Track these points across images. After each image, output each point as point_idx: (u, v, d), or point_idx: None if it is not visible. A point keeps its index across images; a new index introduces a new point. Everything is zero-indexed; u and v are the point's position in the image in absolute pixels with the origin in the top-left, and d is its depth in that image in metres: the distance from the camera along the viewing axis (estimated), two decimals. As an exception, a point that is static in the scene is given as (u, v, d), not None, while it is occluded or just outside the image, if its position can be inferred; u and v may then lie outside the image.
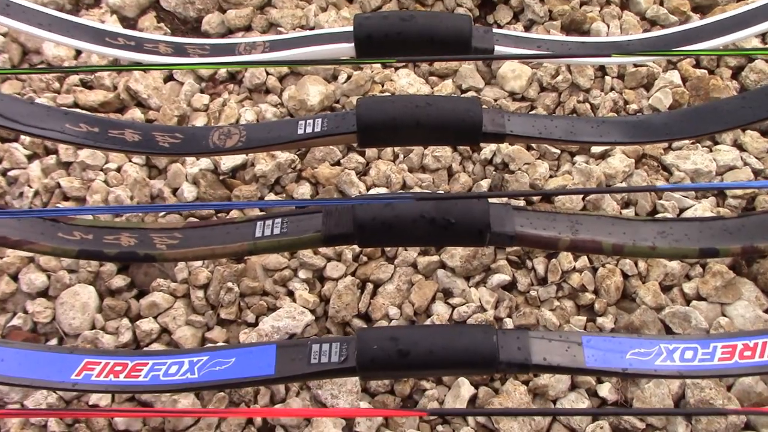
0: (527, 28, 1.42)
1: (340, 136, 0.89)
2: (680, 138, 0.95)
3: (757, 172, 1.20)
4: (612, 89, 1.30)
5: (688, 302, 1.09)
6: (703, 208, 1.14)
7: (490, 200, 0.81)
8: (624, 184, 1.17)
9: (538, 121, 0.91)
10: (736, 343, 0.75)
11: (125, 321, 1.10)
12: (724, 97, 0.95)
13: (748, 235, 0.80)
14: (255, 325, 1.09)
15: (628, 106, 1.28)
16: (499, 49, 0.95)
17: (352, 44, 0.94)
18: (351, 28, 0.94)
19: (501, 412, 0.84)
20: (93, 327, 1.10)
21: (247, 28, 1.43)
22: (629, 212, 1.15)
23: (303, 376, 0.74)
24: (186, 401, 0.98)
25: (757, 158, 1.21)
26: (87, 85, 1.35)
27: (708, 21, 0.97)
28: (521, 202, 1.16)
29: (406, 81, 1.31)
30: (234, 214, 1.16)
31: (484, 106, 0.88)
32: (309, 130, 0.90)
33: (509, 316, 1.09)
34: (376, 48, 0.94)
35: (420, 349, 0.72)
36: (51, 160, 1.25)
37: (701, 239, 0.80)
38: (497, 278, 1.10)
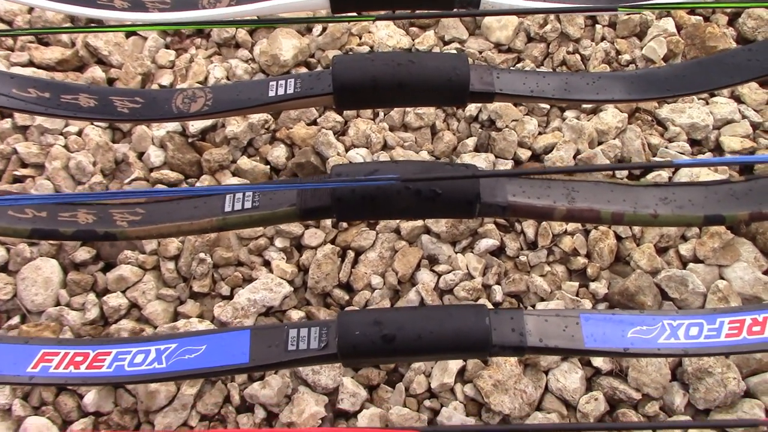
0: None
1: (316, 98, 0.82)
2: (683, 94, 0.88)
3: (755, 125, 1.14)
4: (603, 39, 1.23)
5: (684, 265, 1.04)
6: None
7: (482, 167, 0.74)
8: (617, 141, 1.10)
9: (529, 78, 0.84)
10: (744, 317, 0.70)
11: (91, 296, 1.03)
12: (730, 49, 0.89)
13: (756, 200, 0.74)
14: (230, 297, 1.03)
15: (620, 56, 1.21)
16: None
17: (326, -4, 0.86)
18: (325, -22, 0.86)
19: (497, 430, 0.79)
20: (57, 303, 1.04)
21: (214, -23, 1.33)
22: (624, 173, 1.09)
23: (280, 364, 0.68)
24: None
25: (755, 110, 1.15)
26: (43, 42, 1.26)
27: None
28: (509, 164, 1.09)
29: (386, 33, 1.23)
30: (204, 183, 1.09)
31: (471, 62, 0.81)
32: (281, 91, 0.83)
33: (498, 283, 1.03)
34: (353, 0, 0.86)
35: (406, 334, 0.66)
36: (6, 124, 1.16)
37: (706, 205, 0.74)
38: (485, 243, 1.04)
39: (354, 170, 0.72)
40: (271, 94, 0.83)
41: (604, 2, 0.93)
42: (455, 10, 0.83)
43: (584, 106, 1.14)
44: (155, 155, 1.12)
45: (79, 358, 0.71)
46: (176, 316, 1.03)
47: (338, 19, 0.98)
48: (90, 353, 0.71)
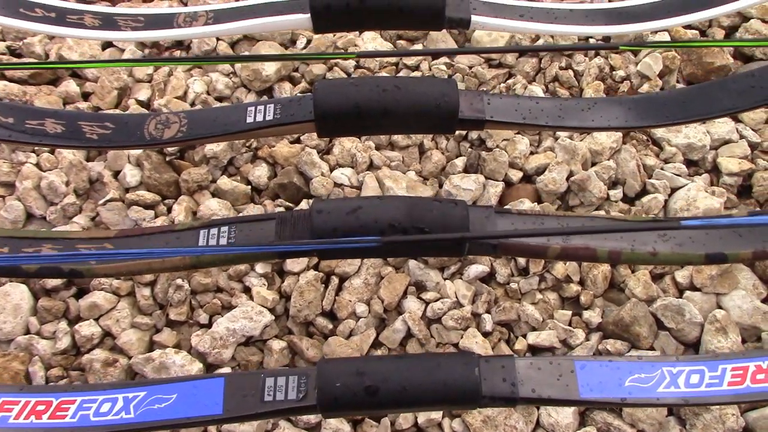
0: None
1: (296, 125, 0.78)
2: (683, 121, 0.85)
3: (753, 145, 1.10)
4: (597, 54, 1.18)
5: (681, 292, 1.00)
6: (697, 188, 1.04)
7: (469, 202, 0.70)
8: (611, 162, 1.06)
9: (521, 104, 0.80)
10: (747, 364, 0.66)
11: (63, 324, 0.98)
12: (732, 74, 0.85)
13: (759, 237, 0.70)
14: (208, 326, 0.99)
15: (614, 72, 1.17)
16: (476, 19, 0.83)
17: (308, 15, 0.82)
18: (306, -4, 0.81)
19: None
20: (27, 331, 0.99)
21: (194, -14, 1.28)
22: (617, 192, 1.06)
23: (256, 416, 0.64)
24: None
25: (753, 130, 1.12)
26: (15, 53, 1.21)
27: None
28: (500, 185, 1.05)
29: (372, 46, 1.18)
30: (179, 214, 1.04)
31: (461, 88, 0.77)
32: (260, 117, 0.79)
33: (488, 311, 0.99)
34: (337, 19, 0.81)
35: (391, 386, 0.62)
36: (-25, 140, 1.11)
37: (707, 242, 0.71)
38: (474, 269, 1.00)
39: (335, 207, 0.68)
40: (249, 120, 0.79)
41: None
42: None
43: (578, 125, 1.10)
44: (131, 175, 1.07)
45: (41, 407, 0.66)
46: (152, 345, 0.99)
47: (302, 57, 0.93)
48: (53, 402, 0.66)
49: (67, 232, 0.75)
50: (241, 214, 1.04)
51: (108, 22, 0.84)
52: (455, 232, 0.68)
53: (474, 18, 0.83)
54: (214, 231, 0.71)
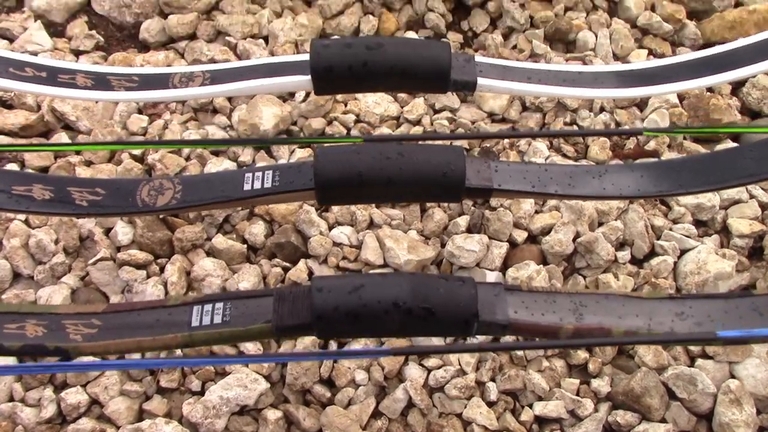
0: (506, 37, 1.27)
1: (295, 193, 0.74)
2: (697, 191, 0.82)
3: (764, 205, 1.07)
4: (602, 109, 1.16)
5: (692, 360, 0.97)
6: (707, 250, 1.01)
7: (478, 280, 0.67)
8: (619, 222, 1.03)
9: (530, 172, 0.77)
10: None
11: (48, 391, 0.94)
12: (747, 145, 0.82)
13: (782, 317, 0.67)
14: (201, 393, 0.95)
15: (620, 128, 1.14)
16: (482, 82, 0.80)
17: (309, 77, 0.79)
18: (307, 58, 0.79)
19: None
20: (11, 399, 0.95)
21: (192, 37, 1.26)
22: (625, 254, 1.02)
23: None
24: None
25: (764, 190, 1.09)
26: (6, 104, 1.18)
27: (729, 48, 0.84)
28: (504, 246, 1.02)
29: (373, 99, 1.16)
30: (172, 275, 1.00)
31: (467, 156, 0.74)
32: (257, 185, 0.75)
33: (493, 379, 0.95)
34: (338, 81, 0.79)
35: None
36: (-38, 196, 1.07)
37: (726, 322, 0.67)
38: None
39: (336, 285, 0.64)
40: (247, 187, 0.76)
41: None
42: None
43: (583, 183, 1.07)
44: (123, 233, 1.03)
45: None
46: (141, 414, 0.94)
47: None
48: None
49: (53, 307, 0.71)
50: (236, 275, 1.00)
51: (101, 81, 0.81)
52: (463, 311, 0.64)
53: (480, 81, 0.80)
54: (208, 307, 0.67)
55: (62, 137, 1.13)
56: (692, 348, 0.96)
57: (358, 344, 0.96)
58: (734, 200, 1.07)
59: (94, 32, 1.26)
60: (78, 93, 0.80)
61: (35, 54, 1.22)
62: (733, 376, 0.95)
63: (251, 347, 0.96)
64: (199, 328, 0.67)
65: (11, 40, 1.25)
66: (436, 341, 0.96)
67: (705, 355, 0.96)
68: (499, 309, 0.66)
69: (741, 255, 1.03)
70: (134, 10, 1.27)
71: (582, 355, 0.96)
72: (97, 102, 1.16)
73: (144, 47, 1.27)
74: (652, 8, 1.29)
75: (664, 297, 0.69)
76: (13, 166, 1.10)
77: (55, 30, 1.28)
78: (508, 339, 0.94)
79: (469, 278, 0.67)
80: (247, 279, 1.00)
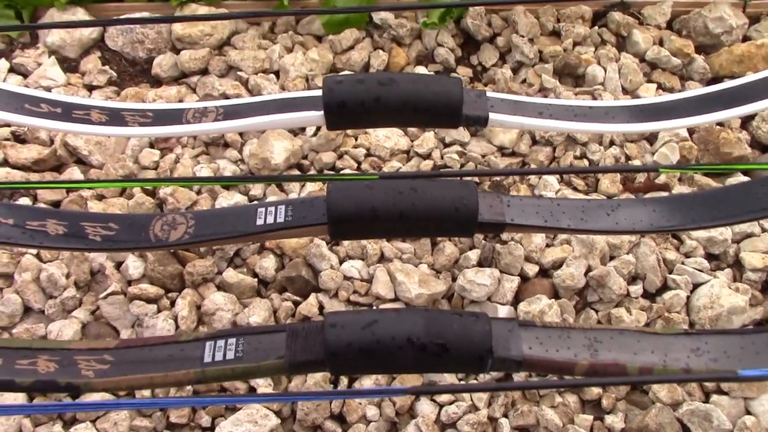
0: (515, 71, 1.28)
1: (308, 228, 0.75)
2: (711, 225, 0.82)
3: (777, 239, 1.07)
4: (612, 143, 1.16)
5: (707, 396, 0.96)
6: (720, 284, 1.01)
7: (490, 314, 0.66)
8: (630, 256, 1.03)
9: (543, 206, 0.77)
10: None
11: (58, 427, 0.94)
12: (759, 179, 0.82)
13: (800, 353, 0.66)
14: (211, 429, 0.94)
15: (630, 162, 1.14)
16: (494, 117, 0.81)
17: (321, 112, 0.79)
18: (319, 93, 0.79)
19: None
20: (19, 434, 0.94)
21: (203, 71, 1.27)
22: (637, 288, 1.02)
23: None
24: None
25: (776, 223, 1.08)
26: (19, 139, 1.19)
27: (740, 83, 0.84)
28: (516, 280, 1.01)
29: (383, 134, 1.16)
30: (182, 309, 1.00)
31: (480, 190, 0.74)
32: (270, 219, 0.76)
33: (505, 415, 0.94)
34: (351, 116, 0.79)
35: None
36: (-26, 230, 1.08)
37: (743, 358, 0.67)
38: (490, 369, 0.95)
39: (349, 321, 0.64)
40: (260, 222, 0.76)
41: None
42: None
43: (595, 217, 1.07)
44: (134, 267, 1.03)
45: None
46: (151, 450, 0.94)
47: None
48: None
49: (66, 342, 0.71)
50: (246, 309, 1.00)
51: (115, 117, 0.82)
52: (477, 347, 0.64)
53: (492, 116, 0.81)
54: (220, 343, 0.67)
55: (74, 172, 1.14)
56: (707, 383, 0.95)
57: (369, 379, 0.95)
58: (746, 234, 1.07)
59: (107, 67, 1.27)
60: (93, 129, 0.81)
61: (49, 89, 1.23)
62: (748, 412, 0.94)
63: (262, 382, 0.95)
64: (212, 364, 0.66)
65: (25, 76, 1.27)
66: (449, 377, 0.95)
67: (720, 391, 0.95)
68: (513, 345, 0.65)
69: (754, 289, 1.02)
70: (147, 45, 1.29)
71: (595, 390, 0.95)
72: (110, 137, 1.17)
73: (156, 82, 1.28)
74: (661, 43, 1.29)
75: (679, 332, 0.69)
76: (25, 200, 1.11)
77: (69, 65, 1.29)
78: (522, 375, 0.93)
79: (483, 314, 0.66)
80: (257, 313, 0.99)
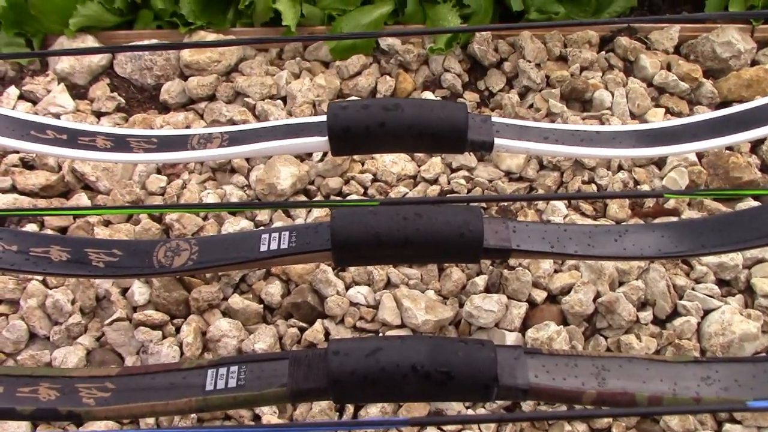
0: (522, 96, 1.28)
1: (312, 254, 0.74)
2: (720, 251, 0.80)
3: (788, 265, 1.05)
4: (620, 168, 1.15)
5: (719, 425, 0.94)
6: (731, 311, 0.99)
7: (497, 341, 0.65)
8: (640, 282, 1.02)
9: (549, 232, 0.76)
10: None
11: (60, 455, 0.93)
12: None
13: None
14: (215, 458, 0.93)
15: (639, 187, 1.13)
16: (499, 142, 0.80)
17: (326, 138, 0.79)
18: (324, 119, 0.79)
19: None
20: (22, 463, 0.93)
21: (211, 98, 1.28)
22: (647, 315, 1.00)
23: None
24: None
25: (787, 248, 1.07)
26: (28, 165, 1.19)
27: (748, 107, 0.84)
28: (523, 306, 1.00)
29: (390, 159, 1.16)
30: (187, 335, 0.99)
31: (486, 216, 0.73)
32: (274, 246, 0.75)
33: (513, 444, 0.93)
34: (355, 142, 0.79)
35: None
36: (-19, 256, 1.08)
37: (755, 387, 0.65)
38: (498, 397, 0.94)
39: (353, 348, 0.63)
40: (263, 248, 0.75)
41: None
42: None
43: (603, 242, 1.06)
44: (140, 293, 1.03)
45: None
46: (154, 479, 0.93)
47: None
48: None
49: (67, 370, 0.70)
50: (252, 336, 0.99)
51: (120, 143, 0.82)
52: (483, 375, 0.63)
53: (497, 141, 0.80)
54: (223, 371, 0.66)
55: (81, 198, 1.14)
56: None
57: (375, 407, 0.94)
58: (757, 259, 1.05)
59: (115, 94, 1.28)
60: (98, 155, 0.81)
61: (58, 116, 1.24)
62: (762, 442, 0.92)
63: (266, 409, 0.94)
64: (214, 392, 0.66)
65: (35, 103, 1.28)
66: (457, 405, 0.94)
67: (733, 420, 0.93)
68: (519, 373, 0.64)
69: (766, 315, 1.01)
70: (155, 72, 1.29)
71: (605, 419, 0.94)
72: (116, 163, 1.17)
73: (164, 108, 1.29)
74: (668, 67, 1.29)
75: (690, 360, 0.68)
76: (32, 227, 1.11)
77: (78, 92, 1.30)
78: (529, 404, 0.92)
79: (489, 341, 0.65)
80: (263, 340, 0.99)
